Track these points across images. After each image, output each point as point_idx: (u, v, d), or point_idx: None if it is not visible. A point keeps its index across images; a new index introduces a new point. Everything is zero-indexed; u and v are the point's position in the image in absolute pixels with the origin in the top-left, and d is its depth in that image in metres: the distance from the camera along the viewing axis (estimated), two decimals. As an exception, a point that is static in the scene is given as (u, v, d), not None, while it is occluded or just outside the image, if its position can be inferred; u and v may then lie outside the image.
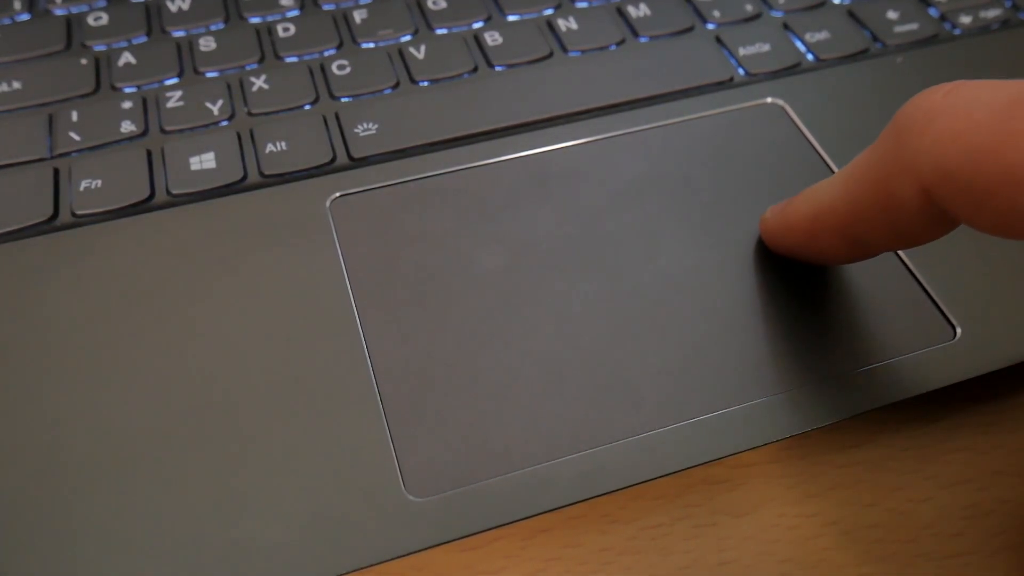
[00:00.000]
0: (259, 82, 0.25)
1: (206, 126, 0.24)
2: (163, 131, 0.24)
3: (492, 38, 0.27)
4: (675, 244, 0.21)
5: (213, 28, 0.27)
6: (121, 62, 0.26)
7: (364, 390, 0.19)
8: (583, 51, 0.27)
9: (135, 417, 0.18)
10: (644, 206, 0.22)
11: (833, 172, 0.23)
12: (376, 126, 0.24)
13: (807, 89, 0.26)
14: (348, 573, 0.16)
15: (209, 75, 0.26)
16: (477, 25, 0.28)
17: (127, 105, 0.25)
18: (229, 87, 0.25)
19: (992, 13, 0.28)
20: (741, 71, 0.26)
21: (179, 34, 0.27)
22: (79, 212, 0.22)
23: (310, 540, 0.17)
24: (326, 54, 0.27)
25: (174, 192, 0.23)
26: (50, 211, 0.22)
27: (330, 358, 0.19)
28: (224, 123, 0.25)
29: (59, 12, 0.27)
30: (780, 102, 0.25)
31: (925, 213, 0.16)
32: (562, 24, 0.27)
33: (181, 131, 0.24)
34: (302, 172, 0.23)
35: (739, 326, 0.20)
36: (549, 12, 0.28)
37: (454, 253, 0.21)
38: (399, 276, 0.21)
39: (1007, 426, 0.21)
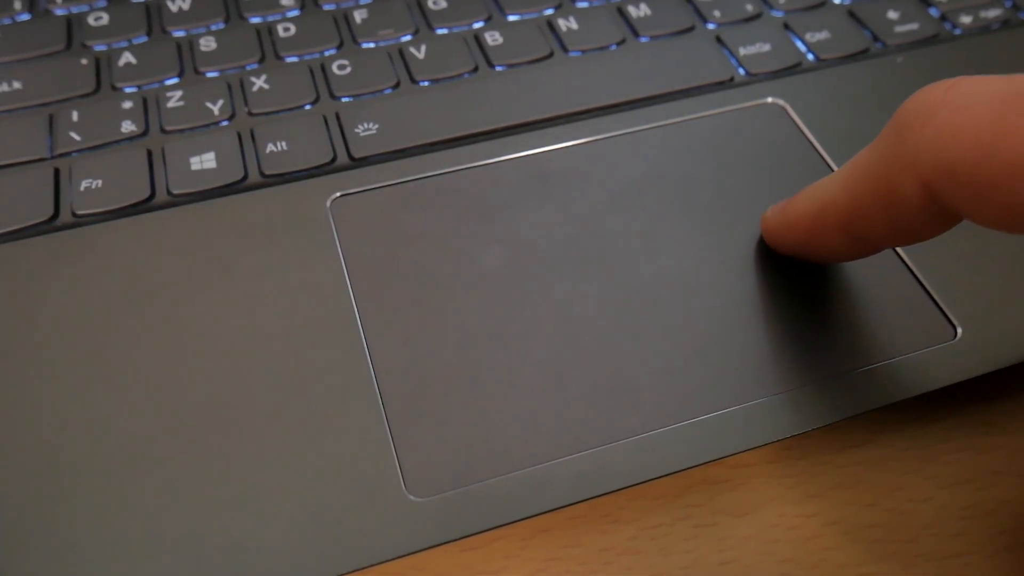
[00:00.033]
0: (259, 82, 0.25)
1: (206, 126, 0.24)
2: (163, 131, 0.24)
3: (492, 38, 0.27)
4: (675, 244, 0.21)
5: (213, 28, 0.27)
6: (121, 62, 0.26)
7: (365, 390, 0.19)
8: (583, 51, 0.27)
9: (135, 417, 0.18)
10: (644, 206, 0.22)
11: (833, 172, 0.23)
12: (376, 126, 0.24)
13: (808, 89, 0.26)
14: (349, 573, 0.16)
15: (209, 75, 0.26)
16: (477, 25, 0.28)
17: (127, 105, 0.25)
18: (229, 87, 0.25)
19: (992, 13, 0.28)
20: (741, 71, 0.26)
21: (179, 34, 0.27)
22: (79, 212, 0.22)
23: (310, 540, 0.17)
24: (326, 54, 0.27)
25: (174, 192, 0.23)
26: (50, 211, 0.22)
27: (331, 358, 0.19)
28: (224, 123, 0.25)
29: (59, 12, 0.27)
30: (780, 102, 0.25)
31: (927, 209, 0.16)
32: (562, 24, 0.27)
33: (181, 131, 0.24)
34: (302, 172, 0.23)
35: (739, 326, 0.20)
36: (549, 12, 0.28)
37: (454, 253, 0.21)
38: (400, 276, 0.21)
39: (1007, 426, 0.21)
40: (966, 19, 0.28)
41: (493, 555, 0.19)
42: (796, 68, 0.26)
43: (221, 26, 0.27)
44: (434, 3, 0.28)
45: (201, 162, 0.23)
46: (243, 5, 0.28)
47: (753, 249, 0.21)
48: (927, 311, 0.20)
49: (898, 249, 0.21)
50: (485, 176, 0.23)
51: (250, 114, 0.25)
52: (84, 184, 0.23)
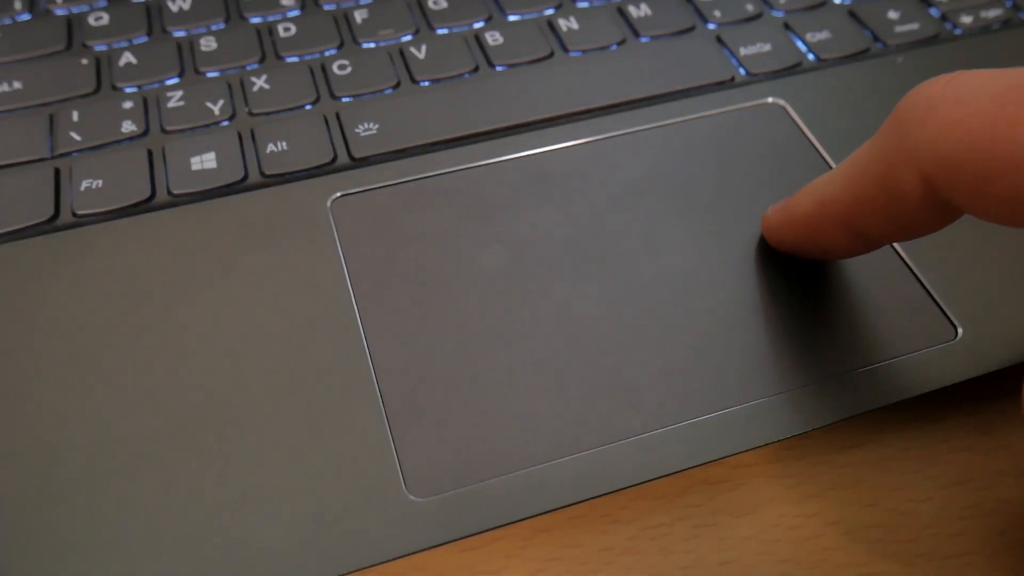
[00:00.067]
0: (260, 82, 0.25)
1: (207, 126, 0.24)
2: (164, 131, 0.24)
3: (493, 38, 0.27)
4: (675, 244, 0.21)
5: (214, 28, 0.27)
6: (122, 62, 0.26)
7: (365, 390, 0.19)
8: (584, 51, 0.27)
9: (135, 417, 0.18)
10: (645, 206, 0.22)
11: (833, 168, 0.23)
12: (377, 126, 0.24)
13: (808, 89, 0.26)
14: (349, 573, 0.16)
15: (210, 75, 0.26)
16: (478, 25, 0.28)
17: (128, 105, 0.25)
18: (230, 87, 0.25)
19: (993, 13, 0.28)
20: (742, 71, 0.26)
21: (180, 34, 0.27)
22: (80, 212, 0.22)
23: (310, 540, 0.17)
24: (327, 54, 0.27)
25: (175, 192, 0.23)
26: (51, 211, 0.22)
27: (331, 358, 0.19)
28: (225, 123, 0.25)
29: (60, 12, 0.27)
30: (781, 102, 0.25)
31: (928, 203, 0.16)
32: (563, 24, 0.27)
33: (182, 131, 0.24)
34: (303, 172, 0.23)
35: (739, 326, 0.20)
36: (550, 12, 0.28)
37: (455, 253, 0.21)
38: (400, 276, 0.21)
39: (1008, 426, 0.21)
40: (966, 19, 0.28)
41: (493, 555, 0.19)
42: (796, 68, 0.26)
43: (221, 26, 0.27)
44: (434, 3, 0.28)
45: (201, 162, 0.23)
46: (243, 5, 0.28)
47: (753, 249, 0.21)
48: (927, 311, 0.20)
49: (899, 249, 0.21)
50: (485, 176, 0.23)
51: (250, 114, 0.25)
52: (84, 184, 0.23)
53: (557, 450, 0.18)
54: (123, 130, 0.24)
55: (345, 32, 0.27)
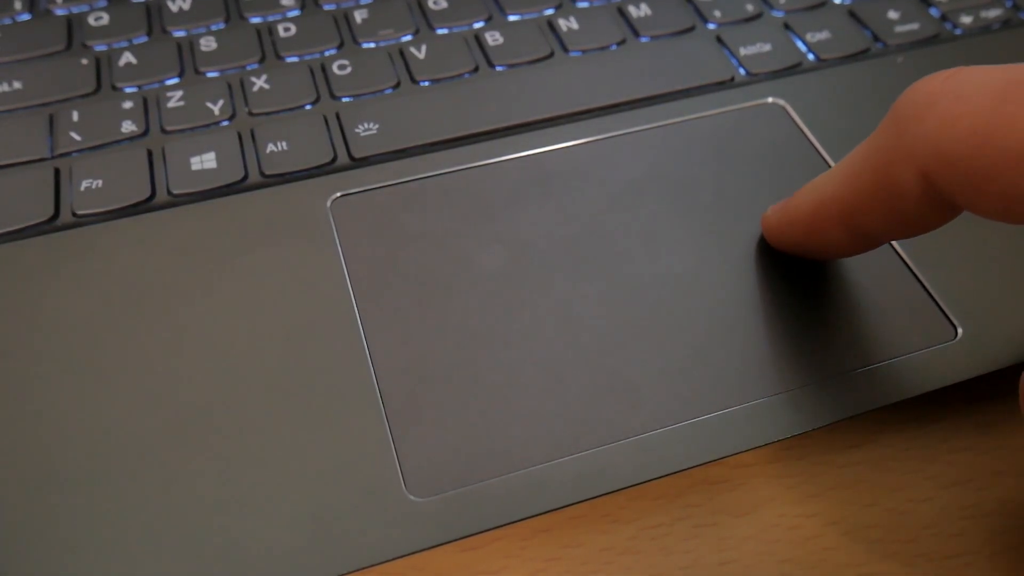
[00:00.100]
0: (260, 82, 0.25)
1: (207, 126, 0.24)
2: (164, 131, 0.24)
3: (493, 38, 0.27)
4: (676, 244, 0.21)
5: (214, 28, 0.27)
6: (122, 62, 0.26)
7: (365, 390, 0.19)
8: (584, 51, 0.27)
9: (135, 417, 0.18)
10: (645, 206, 0.22)
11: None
12: (377, 126, 0.24)
13: (808, 89, 0.26)
14: (348, 573, 0.16)
15: (210, 75, 0.26)
16: (478, 25, 0.28)
17: (128, 105, 0.25)
18: (230, 87, 0.25)
19: (993, 13, 0.28)
20: (742, 71, 0.26)
21: (180, 34, 0.27)
22: (80, 212, 0.22)
23: (310, 540, 0.17)
24: (327, 54, 0.27)
25: (175, 192, 0.23)
26: (51, 211, 0.22)
27: (331, 358, 0.19)
28: (225, 123, 0.25)
29: (60, 12, 0.27)
30: (781, 102, 0.25)
31: (927, 199, 0.16)
32: (563, 24, 0.27)
33: (182, 131, 0.24)
34: (303, 172, 0.23)
35: (739, 326, 0.20)
36: (550, 12, 0.28)
37: (455, 253, 0.21)
38: (400, 276, 0.21)
39: (1008, 426, 0.21)
40: (966, 19, 0.28)
41: (493, 555, 0.19)
42: (796, 68, 0.26)
43: (221, 26, 0.27)
44: (434, 3, 0.28)
45: (201, 162, 0.23)
46: (243, 5, 0.28)
47: (753, 249, 0.21)
48: (927, 311, 0.20)
49: (898, 248, 0.21)
50: (485, 176, 0.23)
51: (250, 114, 0.25)
52: (84, 184, 0.23)
53: (557, 450, 0.18)
54: (123, 130, 0.24)
55: (345, 32, 0.27)
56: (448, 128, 0.24)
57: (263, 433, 0.18)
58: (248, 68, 0.26)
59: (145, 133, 0.24)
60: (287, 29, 0.27)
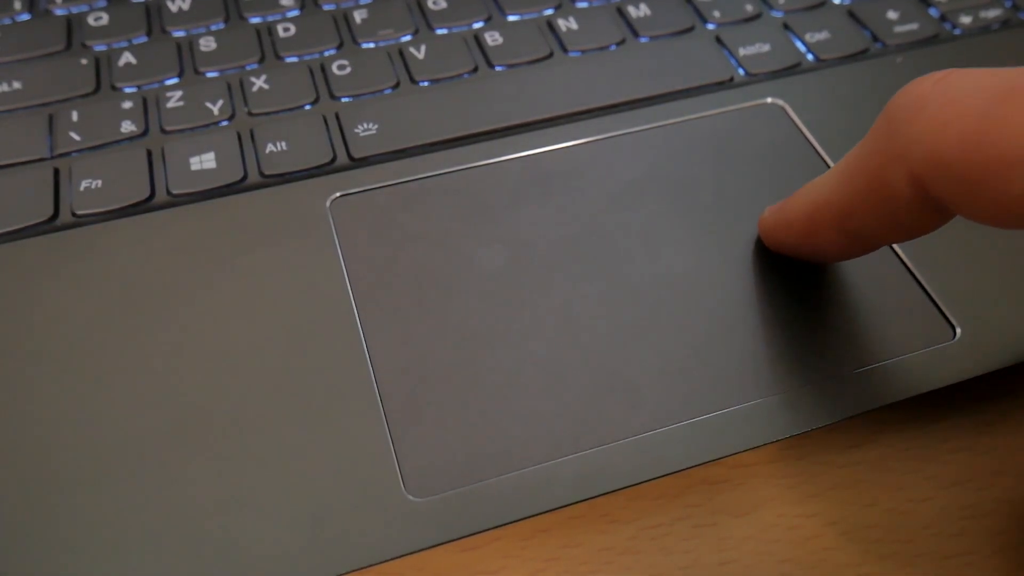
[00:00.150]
0: (259, 82, 0.25)
1: (206, 126, 0.24)
2: (163, 131, 0.24)
3: (492, 38, 0.27)
4: (675, 244, 0.21)
5: (213, 28, 0.27)
6: (121, 62, 0.26)
7: (364, 390, 0.19)
8: (583, 51, 0.27)
9: (134, 417, 0.18)
10: (644, 206, 0.22)
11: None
12: (376, 126, 0.24)
13: (807, 89, 0.26)
14: (348, 573, 0.16)
15: (209, 75, 0.26)
16: (477, 25, 0.28)
17: (127, 105, 0.25)
18: (229, 87, 0.25)
19: (992, 13, 0.28)
20: (741, 71, 0.26)
21: (179, 34, 0.27)
22: (79, 212, 0.22)
23: (310, 540, 0.17)
24: (326, 54, 0.27)
25: (174, 192, 0.23)
26: (50, 211, 0.22)
27: (330, 358, 0.19)
28: (224, 123, 0.25)
29: (59, 12, 0.27)
30: (780, 102, 0.25)
31: (920, 202, 0.16)
32: (562, 24, 0.27)
33: (181, 131, 0.24)
34: (302, 172, 0.23)
35: (739, 326, 0.20)
36: (549, 12, 0.28)
37: (454, 253, 0.21)
38: (399, 276, 0.21)
39: (1007, 426, 0.21)
40: (966, 19, 0.28)
41: (492, 555, 0.19)
42: (796, 68, 0.26)
43: (221, 26, 0.27)
44: (434, 3, 0.28)
45: (201, 162, 0.23)
46: (243, 5, 0.28)
47: (753, 249, 0.21)
48: (926, 311, 0.20)
49: (897, 249, 0.21)
50: (485, 176, 0.23)
51: (250, 114, 0.25)
52: (84, 184, 0.23)
53: (556, 450, 0.18)
54: (122, 130, 0.24)
55: (345, 32, 0.27)
56: (448, 128, 0.24)
57: (262, 433, 0.18)
58: (248, 68, 0.26)
59: (145, 133, 0.24)
60: (287, 29, 0.27)
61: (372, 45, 0.27)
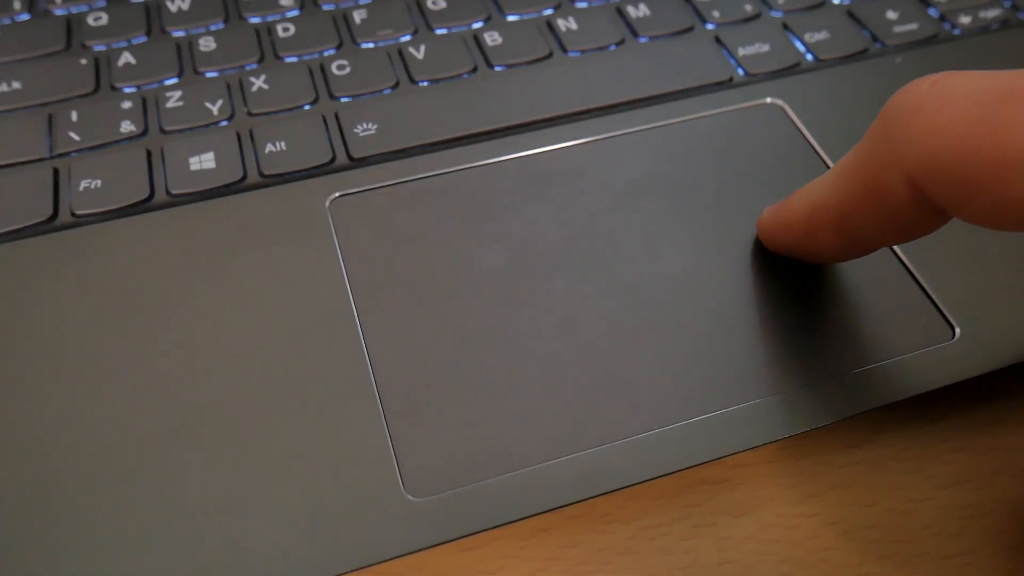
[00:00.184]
0: (259, 82, 0.25)
1: (206, 126, 0.24)
2: (163, 131, 0.24)
3: (492, 38, 0.27)
4: (674, 244, 0.21)
5: (213, 28, 0.27)
6: (121, 62, 0.26)
7: (363, 390, 0.19)
8: (583, 51, 0.27)
9: (134, 418, 0.18)
10: (644, 206, 0.22)
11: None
12: (376, 126, 0.24)
13: (807, 89, 0.26)
14: (347, 573, 0.16)
15: (209, 75, 0.26)
16: (477, 25, 0.28)
17: (127, 105, 0.25)
18: (229, 87, 0.25)
19: (992, 13, 0.28)
20: (740, 71, 0.26)
21: (179, 34, 0.27)
22: (79, 212, 0.22)
23: (309, 540, 0.17)
24: (326, 54, 0.27)
25: (174, 192, 0.23)
26: (50, 211, 0.22)
27: (329, 358, 0.19)
28: (224, 123, 0.25)
29: (59, 12, 0.27)
30: (780, 102, 0.25)
31: (915, 205, 0.16)
32: (562, 24, 0.27)
33: (181, 131, 0.24)
34: (302, 172, 0.23)
35: (738, 326, 0.20)
36: (549, 12, 0.28)
37: (454, 253, 0.21)
38: (399, 276, 0.21)
39: (1007, 426, 0.21)
40: (965, 19, 0.28)
41: (492, 555, 0.19)
42: (795, 68, 0.26)
43: (220, 26, 0.27)
44: (433, 3, 0.28)
45: (200, 162, 0.23)
46: (243, 5, 0.28)
47: (752, 249, 0.21)
48: (925, 311, 0.20)
49: (896, 249, 0.21)
50: (484, 176, 0.23)
51: (249, 114, 0.25)
52: (83, 184, 0.23)
53: (556, 450, 0.18)
54: (122, 130, 0.24)
55: (344, 32, 0.27)
56: (447, 128, 0.24)
57: (261, 433, 0.18)
58: (247, 68, 0.26)
59: (144, 133, 0.24)
60: (286, 29, 0.27)
61: (371, 45, 0.27)
